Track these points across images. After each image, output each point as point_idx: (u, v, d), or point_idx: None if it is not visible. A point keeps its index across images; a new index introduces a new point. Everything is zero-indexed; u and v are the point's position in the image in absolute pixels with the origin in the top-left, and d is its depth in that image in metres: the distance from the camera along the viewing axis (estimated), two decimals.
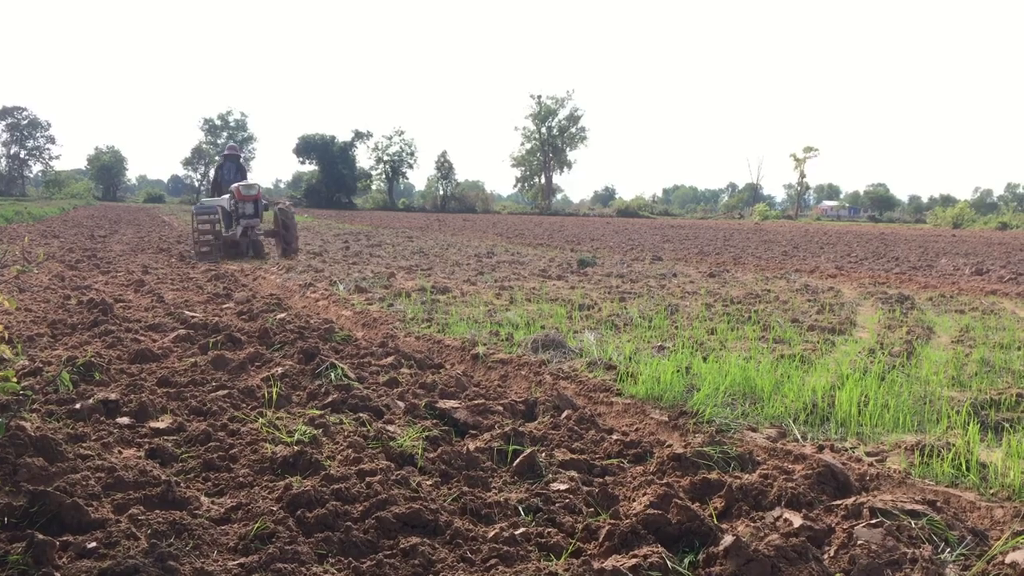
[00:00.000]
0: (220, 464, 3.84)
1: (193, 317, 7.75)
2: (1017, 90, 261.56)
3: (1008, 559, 2.92)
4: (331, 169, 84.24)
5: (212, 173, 18.09)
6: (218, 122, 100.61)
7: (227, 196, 16.17)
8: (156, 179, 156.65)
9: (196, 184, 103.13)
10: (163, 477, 3.50)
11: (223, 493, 3.55)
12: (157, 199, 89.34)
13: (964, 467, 3.97)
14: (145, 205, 72.22)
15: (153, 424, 4.40)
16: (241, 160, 18.35)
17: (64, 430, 4.14)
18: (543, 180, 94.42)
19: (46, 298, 9.01)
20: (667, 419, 4.96)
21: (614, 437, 4.55)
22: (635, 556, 2.80)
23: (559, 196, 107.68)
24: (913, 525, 3.07)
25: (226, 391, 5.08)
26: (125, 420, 4.45)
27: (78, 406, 4.53)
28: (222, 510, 3.30)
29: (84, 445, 3.92)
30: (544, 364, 6.23)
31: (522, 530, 3.14)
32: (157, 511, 3.14)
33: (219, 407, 4.73)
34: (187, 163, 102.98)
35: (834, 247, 25.38)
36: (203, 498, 3.44)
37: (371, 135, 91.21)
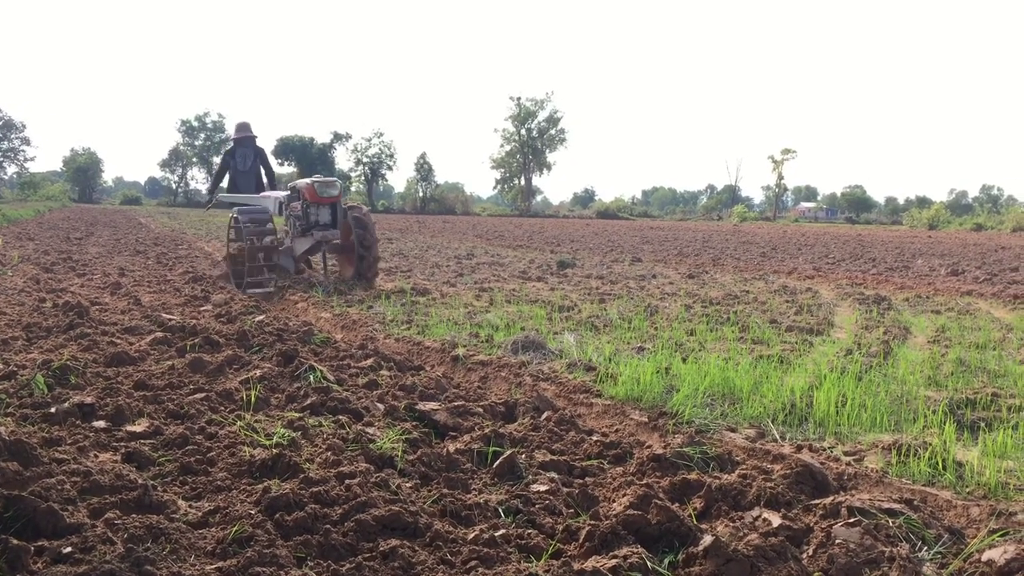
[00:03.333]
0: (198, 468, 3.81)
1: (170, 320, 7.68)
2: (991, 93, 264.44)
3: (984, 557, 2.95)
4: (310, 171, 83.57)
5: (220, 163, 13.51)
6: (195, 123, 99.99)
7: (273, 195, 12.21)
8: (133, 181, 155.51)
9: (173, 186, 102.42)
10: (140, 481, 3.46)
11: (201, 497, 3.52)
12: (134, 201, 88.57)
13: (941, 466, 4.00)
14: (122, 207, 71.61)
15: (130, 428, 4.35)
16: (259, 142, 13.50)
17: (39, 434, 4.09)
18: (523, 182, 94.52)
19: (21, 301, 8.91)
20: (647, 420, 4.98)
21: (594, 438, 4.55)
22: (615, 557, 2.80)
23: (539, 198, 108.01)
24: (890, 524, 3.09)
25: (204, 394, 5.04)
26: (101, 424, 4.40)
27: (53, 410, 4.47)
28: (200, 514, 3.27)
29: (59, 449, 3.87)
30: (524, 366, 6.23)
31: (502, 532, 3.14)
32: (134, 515, 3.11)
33: (197, 410, 4.69)
34: (164, 165, 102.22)
35: (812, 248, 25.55)
36: (180, 502, 3.41)
37: (350, 137, 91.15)
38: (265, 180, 13.31)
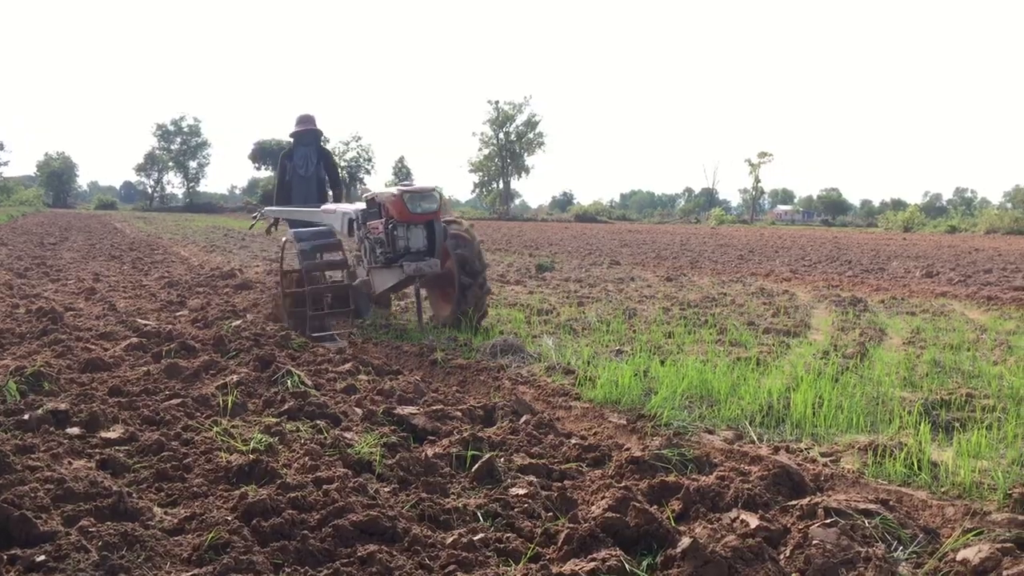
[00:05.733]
0: (173, 474, 3.77)
1: (146, 325, 7.62)
2: (964, 96, 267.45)
3: (959, 556, 2.97)
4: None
5: (276, 169, 11.08)
6: (171, 128, 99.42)
7: (340, 209, 9.07)
8: (108, 185, 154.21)
9: (149, 191, 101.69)
10: (115, 488, 3.43)
11: (176, 503, 3.49)
12: (109, 206, 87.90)
13: (916, 466, 4.03)
14: (97, 212, 70.93)
15: (104, 434, 4.31)
16: (323, 142, 11.21)
17: (12, 441, 4.04)
18: (501, 185, 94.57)
19: None
20: (625, 422, 4.99)
21: (573, 441, 4.56)
22: (593, 560, 2.80)
23: (517, 201, 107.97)
24: (867, 524, 3.11)
25: (180, 400, 5.00)
26: (75, 430, 4.35)
27: (26, 416, 4.42)
28: (175, 520, 3.24)
29: (33, 456, 3.82)
30: (503, 369, 6.23)
31: (480, 535, 3.13)
32: (108, 523, 3.07)
33: (172, 416, 4.65)
34: (140, 169, 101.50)
35: (789, 251, 25.71)
36: (156, 509, 3.38)
37: (328, 141, 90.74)
38: (329, 190, 10.71)
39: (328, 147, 11.04)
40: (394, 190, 8.10)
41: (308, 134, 10.53)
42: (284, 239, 8.82)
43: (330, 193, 10.71)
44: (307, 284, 7.86)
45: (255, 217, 10.71)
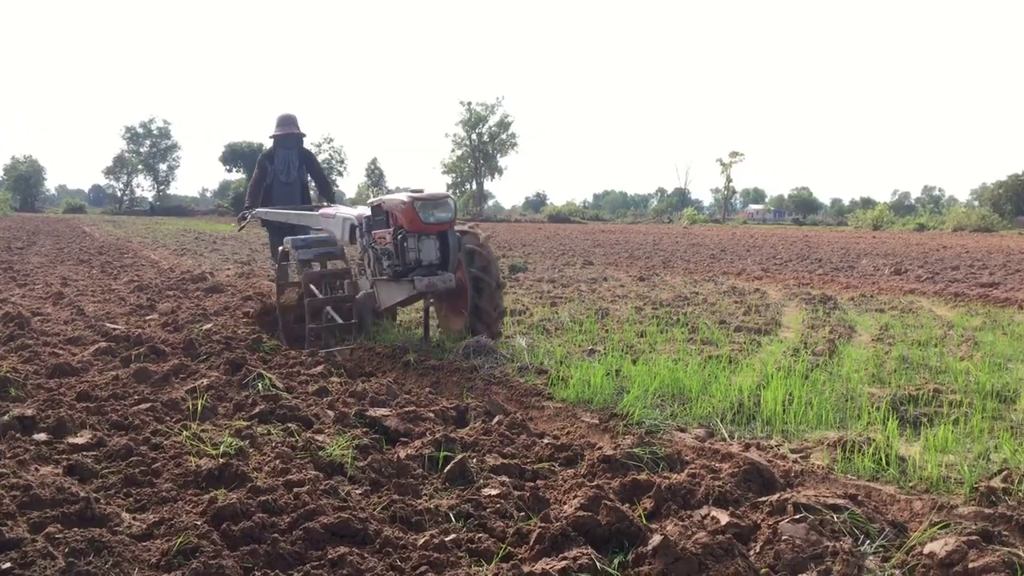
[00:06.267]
0: (142, 479, 3.74)
1: (115, 329, 7.54)
2: (932, 96, 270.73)
3: (926, 549, 3.01)
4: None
5: (255, 170, 10.08)
6: (140, 130, 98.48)
7: (342, 213, 8.38)
8: (76, 189, 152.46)
9: (118, 194, 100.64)
10: (82, 494, 3.39)
11: (145, 508, 3.46)
12: (78, 209, 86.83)
13: (884, 461, 4.08)
14: (65, 216, 70.06)
15: (72, 440, 4.26)
16: (306, 144, 10.35)
17: None
18: (474, 186, 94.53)
19: None
20: (598, 422, 5.00)
21: (545, 441, 4.57)
22: (565, 559, 2.81)
23: (491, 202, 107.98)
24: (835, 519, 3.14)
25: (149, 404, 4.95)
26: (42, 436, 4.30)
27: None
28: (144, 526, 3.21)
29: None
30: (476, 370, 6.22)
31: (452, 536, 3.13)
32: (75, 529, 3.04)
33: (141, 421, 4.60)
34: (108, 172, 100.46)
35: (760, 250, 25.90)
36: (124, 514, 3.34)
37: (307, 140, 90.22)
38: (315, 194, 10.14)
39: (307, 146, 10.25)
40: (404, 197, 7.28)
41: (290, 138, 9.84)
42: (280, 250, 7.99)
43: (314, 195, 10.21)
44: (306, 296, 7.33)
45: (243, 218, 9.83)
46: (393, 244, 7.32)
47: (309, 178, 10.09)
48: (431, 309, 7.64)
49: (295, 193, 9.85)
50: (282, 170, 9.79)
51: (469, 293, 7.36)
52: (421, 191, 7.42)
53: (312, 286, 7.39)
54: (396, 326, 8.41)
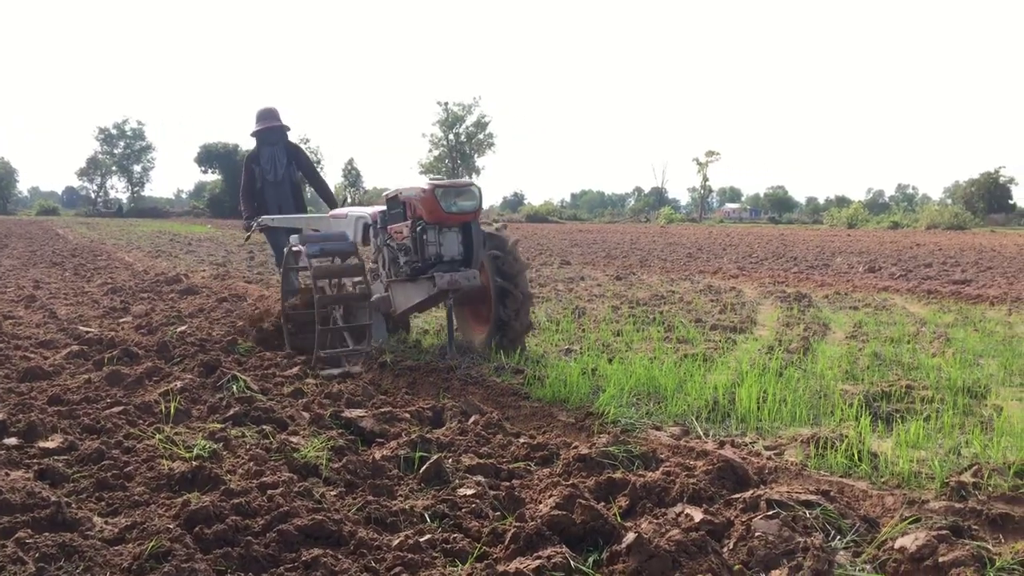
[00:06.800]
0: (114, 483, 3.70)
1: (88, 332, 7.48)
2: (906, 95, 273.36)
3: (897, 544, 3.04)
4: (235, 178, 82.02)
5: (242, 175, 9.46)
6: (114, 131, 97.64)
7: (354, 213, 7.77)
8: (50, 191, 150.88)
9: (92, 195, 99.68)
10: (53, 498, 3.35)
11: (117, 512, 3.43)
12: (51, 211, 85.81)
13: (857, 457, 4.11)
14: (38, 218, 69.27)
15: (43, 444, 4.21)
16: (290, 137, 9.44)
17: None
18: None
19: None
20: (574, 421, 5.02)
21: (521, 440, 4.57)
22: (539, 558, 2.81)
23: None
24: (808, 515, 3.16)
25: (121, 407, 4.91)
26: (12, 440, 4.25)
27: None
28: (116, 530, 3.18)
29: None
30: (452, 370, 6.21)
31: (427, 537, 3.12)
32: (46, 534, 3.01)
33: (114, 424, 4.56)
34: (82, 174, 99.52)
35: (736, 248, 26.05)
36: (96, 518, 3.31)
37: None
38: (310, 191, 9.44)
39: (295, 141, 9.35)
40: (423, 184, 6.60)
41: (272, 132, 9.07)
42: (287, 251, 7.36)
43: (309, 194, 9.52)
44: (316, 304, 6.63)
45: (250, 228, 9.09)
46: (411, 238, 6.67)
47: (300, 175, 9.43)
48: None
49: (286, 192, 9.15)
50: (269, 169, 9.10)
51: (493, 304, 6.81)
52: (441, 178, 6.79)
53: (322, 288, 6.78)
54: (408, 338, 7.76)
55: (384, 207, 7.24)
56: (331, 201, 9.19)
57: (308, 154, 9.00)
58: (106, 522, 3.29)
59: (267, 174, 9.07)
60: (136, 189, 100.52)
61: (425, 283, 6.59)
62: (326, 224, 8.05)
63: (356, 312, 7.05)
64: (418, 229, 6.59)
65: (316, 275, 6.73)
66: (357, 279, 6.94)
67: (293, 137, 8.62)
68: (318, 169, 9.68)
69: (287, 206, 9.14)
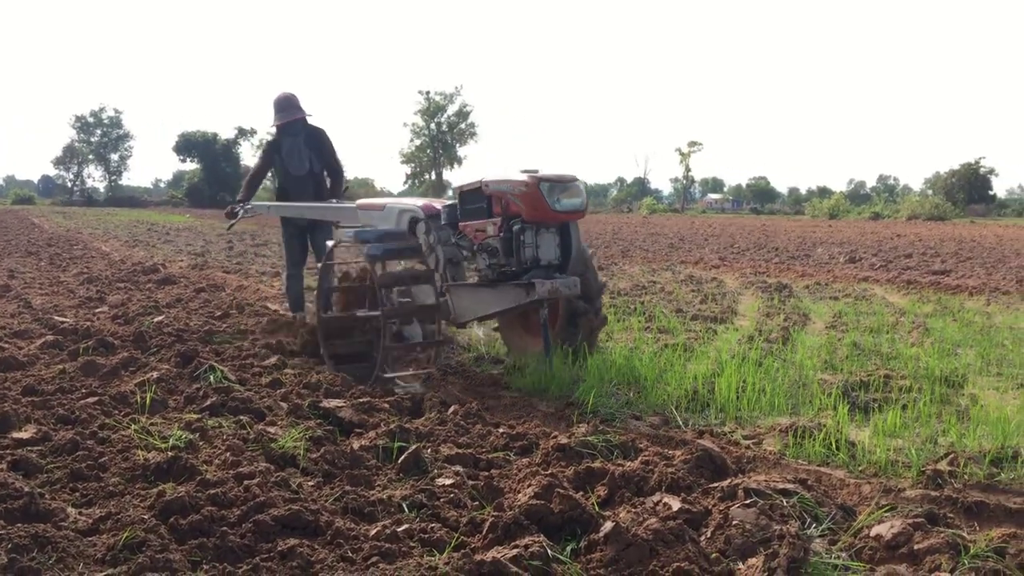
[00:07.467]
0: (89, 473, 3.66)
1: (63, 322, 7.40)
2: (887, 86, 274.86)
3: (873, 532, 3.06)
4: (214, 167, 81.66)
5: (258, 159, 8.59)
6: (90, 119, 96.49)
7: (398, 205, 6.72)
8: (25, 179, 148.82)
9: (69, 184, 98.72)
10: (26, 489, 3.31)
11: (92, 503, 3.39)
12: (27, 200, 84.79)
13: (834, 446, 4.13)
14: (13, 207, 68.39)
15: (16, 435, 4.15)
16: (312, 126, 8.13)
17: None
18: (434, 176, 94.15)
19: None
20: (553, 411, 5.02)
21: (501, 430, 4.56)
22: (517, 547, 2.80)
23: (450, 192, 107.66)
24: (785, 504, 3.17)
25: (96, 398, 4.85)
26: None
27: None
28: (90, 521, 3.15)
29: None
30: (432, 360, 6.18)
31: (405, 527, 3.11)
32: (19, 524, 2.97)
33: (88, 414, 4.51)
34: (58, 162, 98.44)
35: (718, 239, 26.12)
36: (70, 509, 3.28)
37: (255, 132, 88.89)
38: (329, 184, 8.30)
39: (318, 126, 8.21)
40: (524, 177, 5.78)
41: (294, 123, 7.98)
42: (334, 241, 6.60)
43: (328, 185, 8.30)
44: (382, 304, 5.77)
45: (235, 213, 8.27)
46: (500, 238, 5.85)
47: (322, 170, 8.26)
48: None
49: (308, 188, 8.09)
50: (292, 162, 8.00)
51: (561, 322, 6.19)
52: (536, 171, 5.91)
53: (388, 298, 5.88)
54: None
55: (451, 201, 6.44)
56: (337, 192, 8.28)
57: (331, 143, 8.20)
58: (80, 513, 3.26)
59: (289, 167, 8.01)
60: (114, 178, 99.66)
61: (513, 291, 5.77)
62: (351, 215, 7.12)
63: (429, 319, 6.20)
64: (514, 228, 5.80)
65: (380, 284, 5.82)
66: (433, 288, 6.07)
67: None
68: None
69: (307, 202, 8.07)
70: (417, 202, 6.61)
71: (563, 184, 5.80)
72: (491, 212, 5.99)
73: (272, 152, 8.13)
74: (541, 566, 2.76)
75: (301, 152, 7.99)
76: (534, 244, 5.83)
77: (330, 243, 6.55)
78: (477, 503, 3.51)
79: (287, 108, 7.98)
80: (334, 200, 7.90)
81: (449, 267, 6.18)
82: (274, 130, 8.12)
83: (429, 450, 4.11)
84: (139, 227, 30.94)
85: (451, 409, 4.95)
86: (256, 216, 8.44)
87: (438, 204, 6.46)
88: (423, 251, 6.21)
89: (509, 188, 5.83)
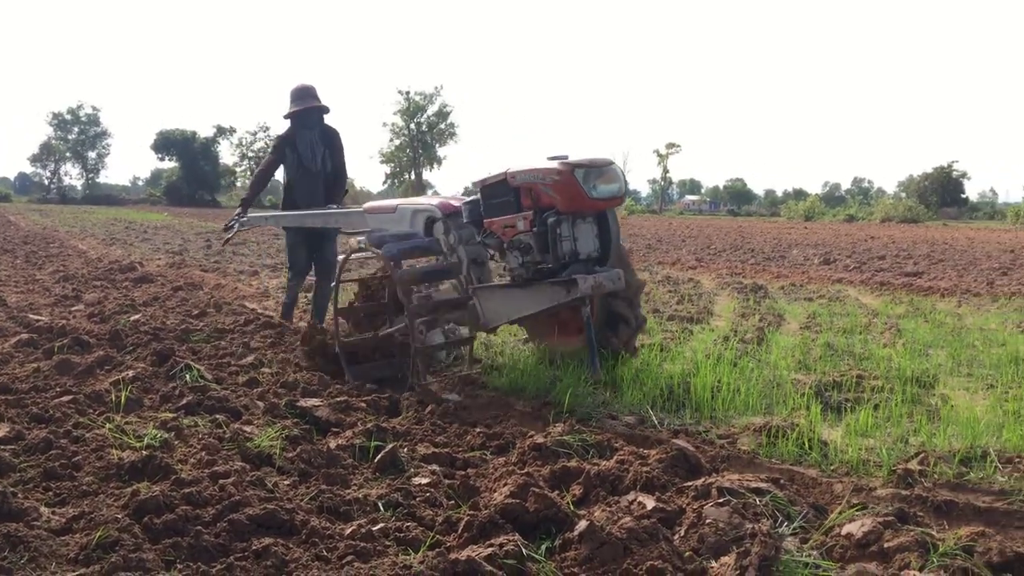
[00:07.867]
0: (62, 472, 3.64)
1: (38, 320, 7.33)
2: (862, 89, 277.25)
3: (844, 530, 3.10)
4: (192, 166, 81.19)
5: (268, 155, 8.00)
6: (68, 116, 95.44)
7: (413, 204, 6.47)
8: (1, 177, 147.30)
9: (45, 182, 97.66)
10: None
11: (65, 502, 3.37)
12: (3, 198, 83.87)
13: (807, 446, 4.18)
14: None
15: None
16: (328, 124, 7.77)
17: None
18: (413, 177, 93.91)
19: None
20: (530, 410, 5.04)
21: (477, 430, 4.57)
22: (492, 545, 2.82)
23: (430, 193, 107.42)
24: (758, 502, 3.20)
25: (71, 396, 4.82)
26: None
27: None
28: (63, 520, 3.13)
29: None
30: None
31: (381, 526, 3.11)
32: None
33: (63, 413, 4.48)
34: (35, 160, 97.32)
35: (695, 240, 26.26)
36: (43, 508, 3.25)
37: (234, 131, 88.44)
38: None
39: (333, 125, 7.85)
40: (555, 165, 5.36)
41: (309, 113, 7.57)
42: (349, 250, 6.33)
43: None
44: (409, 313, 5.38)
45: (231, 227, 7.90)
46: (533, 233, 5.48)
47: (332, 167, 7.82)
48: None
49: (318, 185, 7.66)
50: (307, 156, 7.55)
51: (597, 322, 5.79)
52: (565, 156, 5.49)
53: (418, 301, 5.51)
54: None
55: (473, 197, 6.07)
56: (338, 197, 7.79)
57: (339, 143, 7.80)
58: (53, 512, 3.24)
59: (305, 161, 7.56)
60: (91, 176, 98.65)
61: (552, 289, 5.39)
62: (358, 220, 6.80)
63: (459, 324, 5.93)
64: (549, 221, 5.39)
65: (402, 282, 5.42)
66: (462, 292, 5.84)
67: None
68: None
69: (316, 202, 7.60)
70: (432, 201, 6.29)
71: (599, 169, 5.37)
72: (520, 205, 5.60)
73: (284, 146, 7.66)
74: (516, 565, 2.78)
75: (316, 146, 7.58)
76: (571, 237, 5.43)
77: (341, 257, 6.19)
78: (453, 502, 3.52)
79: (303, 97, 7.59)
80: (334, 206, 7.56)
81: (473, 268, 5.85)
82: (289, 123, 7.68)
83: (406, 449, 4.12)
84: (116, 225, 30.69)
85: (428, 408, 4.96)
86: (253, 228, 7.98)
87: (456, 201, 6.14)
88: (444, 252, 5.90)
89: (539, 178, 5.42)
